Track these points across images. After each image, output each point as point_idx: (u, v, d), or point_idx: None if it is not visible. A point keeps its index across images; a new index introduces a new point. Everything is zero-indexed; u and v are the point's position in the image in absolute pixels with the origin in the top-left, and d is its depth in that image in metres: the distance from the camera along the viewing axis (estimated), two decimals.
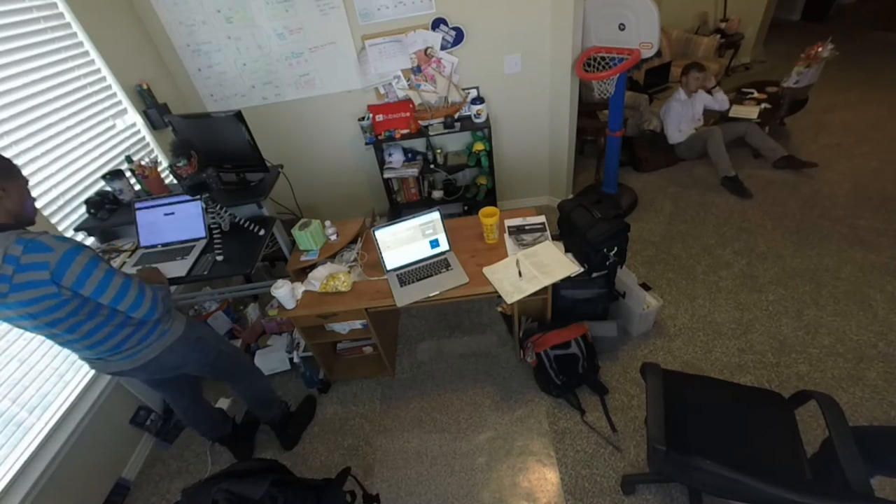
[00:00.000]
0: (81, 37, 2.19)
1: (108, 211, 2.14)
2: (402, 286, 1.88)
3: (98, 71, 2.28)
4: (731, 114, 3.52)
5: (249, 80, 2.78)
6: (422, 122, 2.84)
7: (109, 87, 2.34)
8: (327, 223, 2.17)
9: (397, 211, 3.20)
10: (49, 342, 1.69)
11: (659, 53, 2.34)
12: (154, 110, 2.51)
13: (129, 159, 2.30)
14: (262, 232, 2.05)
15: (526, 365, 2.20)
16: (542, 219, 2.12)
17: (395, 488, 1.86)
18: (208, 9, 2.51)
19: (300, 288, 1.95)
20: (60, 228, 2.03)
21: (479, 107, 2.75)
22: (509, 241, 2.03)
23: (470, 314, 2.60)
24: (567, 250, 1.94)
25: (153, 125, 2.55)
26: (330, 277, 1.94)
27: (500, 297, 1.78)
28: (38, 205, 1.82)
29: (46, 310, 1.21)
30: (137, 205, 2.08)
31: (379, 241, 1.92)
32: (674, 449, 1.18)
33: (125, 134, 2.41)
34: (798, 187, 3.11)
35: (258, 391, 1.95)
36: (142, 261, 2.01)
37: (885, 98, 4.05)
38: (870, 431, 1.40)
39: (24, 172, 1.31)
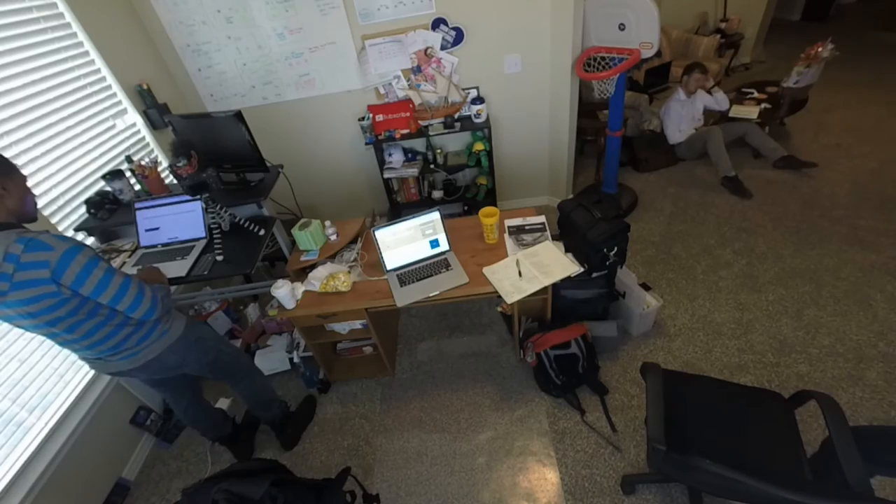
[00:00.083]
0: (81, 37, 2.20)
1: (108, 211, 2.14)
2: (402, 286, 1.88)
3: (98, 71, 2.28)
4: (731, 114, 3.52)
5: (249, 80, 2.78)
6: (422, 122, 2.84)
7: (109, 87, 2.34)
8: (327, 223, 2.17)
9: (397, 211, 3.20)
10: (49, 342, 1.69)
11: (659, 53, 2.35)
12: (154, 110, 2.51)
13: (129, 159, 2.30)
14: (262, 232, 2.05)
15: (526, 365, 2.20)
16: (542, 219, 2.12)
17: (395, 488, 1.86)
18: (208, 9, 2.51)
19: (300, 288, 1.95)
20: (60, 228, 2.03)
21: (479, 107, 2.75)
22: (509, 241, 2.03)
23: (470, 314, 2.59)
24: (567, 250, 1.94)
25: (153, 125, 2.55)
26: (330, 277, 1.94)
27: (500, 297, 1.78)
28: (38, 204, 1.82)
29: (46, 309, 1.21)
30: (137, 205, 2.08)
31: (379, 241, 1.92)
32: (674, 449, 1.18)
33: (125, 134, 2.41)
34: (798, 187, 3.11)
35: (258, 391, 1.95)
36: (142, 261, 2.01)
37: (885, 98, 4.05)
38: (870, 431, 1.40)
39: (25, 172, 1.31)
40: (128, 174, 2.25)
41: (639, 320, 2.19)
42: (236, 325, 2.66)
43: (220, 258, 1.93)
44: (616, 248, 1.92)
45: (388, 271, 1.96)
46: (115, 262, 2.02)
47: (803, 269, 2.48)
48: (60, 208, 2.04)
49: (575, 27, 2.47)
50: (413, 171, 2.95)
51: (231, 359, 1.81)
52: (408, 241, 1.96)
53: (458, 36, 2.62)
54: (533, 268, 1.84)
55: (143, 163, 2.24)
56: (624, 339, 2.25)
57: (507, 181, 3.26)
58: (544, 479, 1.79)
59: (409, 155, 3.01)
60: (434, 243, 1.99)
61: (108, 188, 2.20)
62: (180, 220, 2.08)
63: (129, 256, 2.06)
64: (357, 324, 2.08)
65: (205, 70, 2.75)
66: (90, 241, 2.18)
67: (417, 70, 2.73)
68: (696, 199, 3.19)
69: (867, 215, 2.75)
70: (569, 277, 1.81)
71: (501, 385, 2.17)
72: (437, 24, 2.57)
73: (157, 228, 2.08)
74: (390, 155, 2.98)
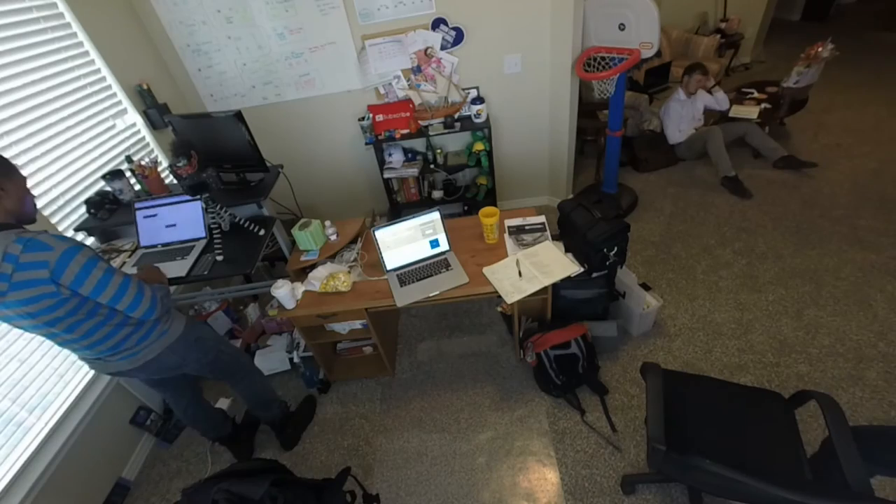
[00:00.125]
0: (81, 37, 2.20)
1: (108, 211, 2.14)
2: (402, 286, 1.88)
3: (98, 71, 2.28)
4: (731, 114, 3.52)
5: (249, 80, 2.78)
6: (422, 122, 2.84)
7: (109, 87, 2.34)
8: (327, 223, 2.17)
9: (397, 211, 3.20)
10: (49, 342, 1.68)
11: (659, 53, 2.35)
12: (154, 110, 2.51)
13: (129, 159, 2.30)
14: (262, 232, 2.05)
15: (526, 365, 2.20)
16: (542, 219, 2.12)
17: (395, 488, 1.86)
18: (208, 9, 2.51)
19: (300, 288, 1.95)
20: (60, 228, 2.03)
21: (479, 107, 2.75)
22: (509, 241, 2.03)
23: (470, 314, 2.59)
24: (567, 250, 1.94)
25: (153, 125, 2.55)
26: (330, 277, 1.94)
27: (500, 297, 1.78)
28: (38, 205, 1.82)
29: (45, 309, 1.21)
30: (137, 205, 2.08)
31: (379, 241, 1.92)
32: (674, 449, 1.18)
33: (125, 134, 2.41)
34: (798, 187, 3.11)
35: (258, 391, 1.95)
36: (142, 261, 2.01)
37: (886, 98, 4.05)
38: (870, 431, 1.40)
39: (25, 172, 1.31)
40: (128, 174, 2.25)
41: (639, 320, 2.19)
42: (236, 325, 2.66)
43: (220, 258, 1.93)
44: (616, 248, 1.92)
45: (388, 271, 1.96)
46: (115, 262, 2.02)
47: (803, 269, 2.48)
48: (60, 208, 2.04)
49: (575, 27, 2.47)
50: (413, 171, 2.95)
51: (231, 359, 1.81)
52: (408, 241, 1.96)
53: (458, 36, 2.62)
54: (533, 268, 1.84)
55: (143, 163, 2.24)
56: (624, 339, 2.25)
57: (506, 181, 3.26)
58: (544, 479, 1.79)
59: (409, 155, 3.01)
60: (434, 243, 1.99)
61: (108, 188, 2.20)
62: (180, 220, 2.08)
63: (129, 256, 2.06)
64: (357, 324, 2.08)
65: (205, 70, 2.75)
66: (90, 241, 2.18)
67: (417, 70, 2.73)
68: (696, 199, 3.19)
69: (867, 215, 2.75)
70: (569, 277, 1.81)
71: (501, 385, 2.17)
72: (437, 24, 2.57)
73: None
74: (390, 155, 2.98)
